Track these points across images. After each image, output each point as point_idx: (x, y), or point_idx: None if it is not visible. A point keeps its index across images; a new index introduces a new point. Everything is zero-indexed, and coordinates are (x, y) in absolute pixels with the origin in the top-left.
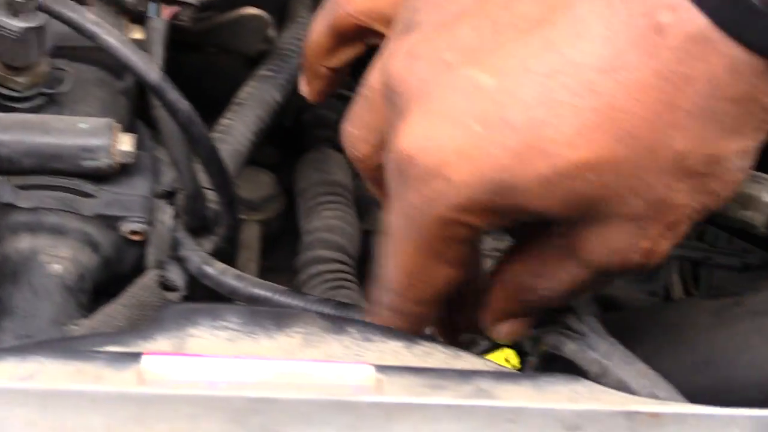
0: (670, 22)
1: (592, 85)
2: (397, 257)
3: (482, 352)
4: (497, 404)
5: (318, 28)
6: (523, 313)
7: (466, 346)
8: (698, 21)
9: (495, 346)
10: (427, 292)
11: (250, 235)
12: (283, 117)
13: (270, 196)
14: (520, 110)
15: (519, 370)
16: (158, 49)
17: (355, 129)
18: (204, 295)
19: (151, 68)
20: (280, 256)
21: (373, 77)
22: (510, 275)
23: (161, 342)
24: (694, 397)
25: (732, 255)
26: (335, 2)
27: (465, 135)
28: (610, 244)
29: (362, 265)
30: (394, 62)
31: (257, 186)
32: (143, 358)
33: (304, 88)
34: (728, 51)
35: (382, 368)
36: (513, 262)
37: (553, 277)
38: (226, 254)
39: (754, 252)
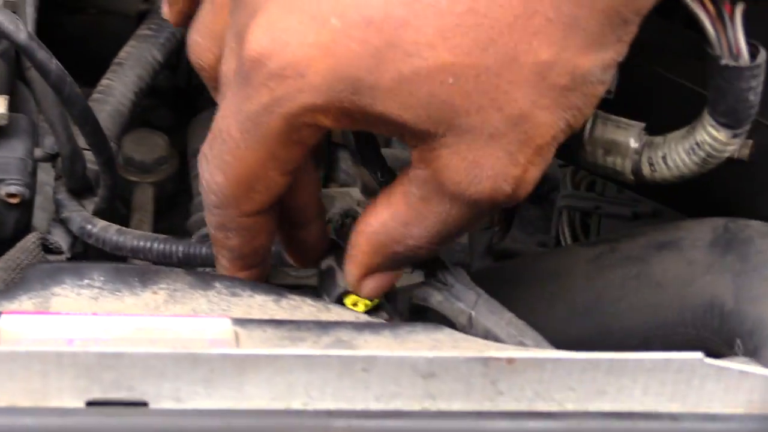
0: None
1: None
2: (227, 167)
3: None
4: (351, 353)
5: None
6: (391, 267)
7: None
8: None
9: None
10: (258, 201)
11: (144, 196)
12: (177, 78)
13: (163, 158)
14: (381, 7)
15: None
16: (29, 9)
17: (200, 37)
18: (95, 258)
19: (18, 28)
20: (175, 217)
21: None
22: (375, 226)
23: (25, 302)
24: (572, 346)
25: (622, 204)
26: None
27: (322, 31)
28: (478, 172)
29: None
30: None
31: (151, 148)
32: (2, 317)
33: (165, 10)
34: None
35: (240, 321)
36: (377, 212)
37: (420, 221)
38: (117, 216)
39: (644, 201)
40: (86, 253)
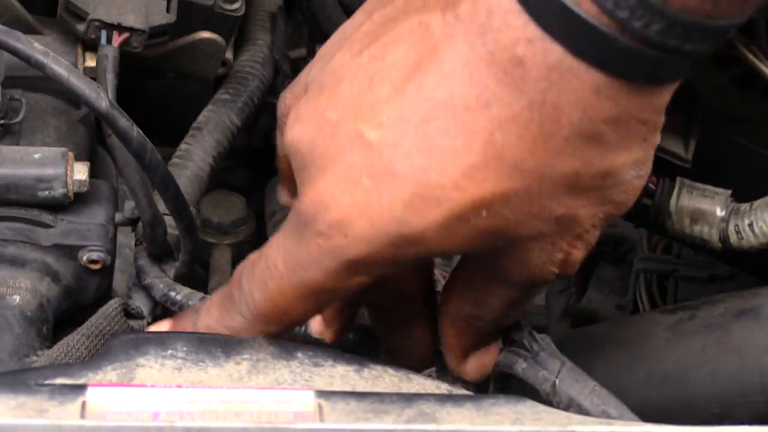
0: (528, 55)
1: (466, 125)
2: (268, 291)
3: None
4: (434, 428)
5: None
6: (479, 342)
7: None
8: (556, 51)
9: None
10: (286, 324)
11: (222, 258)
12: (253, 139)
13: (241, 220)
14: (403, 160)
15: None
16: (110, 76)
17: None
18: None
19: (100, 96)
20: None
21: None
22: (453, 311)
23: (109, 373)
24: (652, 413)
25: (698, 267)
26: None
27: (357, 190)
28: (526, 263)
29: None
30: (287, 129)
31: (228, 210)
32: (89, 389)
33: (317, 329)
34: (590, 77)
35: (323, 394)
36: (451, 298)
37: (487, 302)
38: (196, 278)
39: (720, 264)
40: (163, 317)
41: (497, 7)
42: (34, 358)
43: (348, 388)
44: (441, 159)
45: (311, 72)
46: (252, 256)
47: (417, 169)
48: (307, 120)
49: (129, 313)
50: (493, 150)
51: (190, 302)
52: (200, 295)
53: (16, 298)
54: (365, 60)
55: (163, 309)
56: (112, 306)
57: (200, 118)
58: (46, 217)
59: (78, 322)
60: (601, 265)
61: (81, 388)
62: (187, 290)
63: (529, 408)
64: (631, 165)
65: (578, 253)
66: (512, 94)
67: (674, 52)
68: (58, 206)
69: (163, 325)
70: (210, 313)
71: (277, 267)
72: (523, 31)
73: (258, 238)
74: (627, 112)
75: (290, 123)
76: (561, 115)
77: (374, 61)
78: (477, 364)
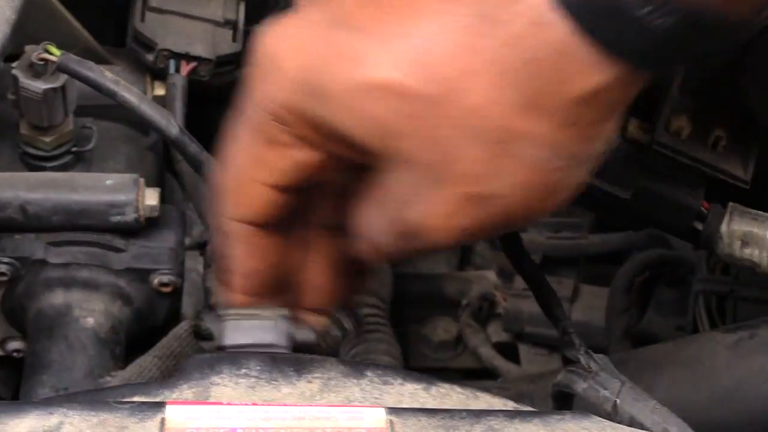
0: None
1: (412, 12)
2: (225, 166)
3: None
4: None
5: None
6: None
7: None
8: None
9: None
10: (247, 208)
11: None
12: None
13: None
14: (360, 17)
15: None
16: (179, 104)
17: None
18: None
19: (170, 124)
20: None
21: None
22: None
23: (185, 391)
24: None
25: (757, 287)
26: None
27: (310, 30)
28: (408, 194)
29: (396, 308)
30: None
31: None
32: (167, 407)
33: None
34: (538, 3)
35: (394, 410)
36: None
37: (371, 222)
38: None
39: None
40: None
41: None
42: (108, 378)
43: (417, 406)
44: (378, 33)
45: None
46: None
47: (365, 29)
48: None
49: (200, 335)
50: (422, 43)
51: None
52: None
53: (90, 320)
54: None
55: None
56: (182, 328)
57: None
58: (118, 242)
59: (148, 344)
60: (660, 287)
61: (159, 406)
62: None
63: (595, 424)
64: (533, 139)
65: (462, 220)
66: (489, 28)
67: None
68: (129, 231)
69: None
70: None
71: (232, 134)
72: None
73: None
74: (560, 71)
75: None
76: (495, 37)
77: None
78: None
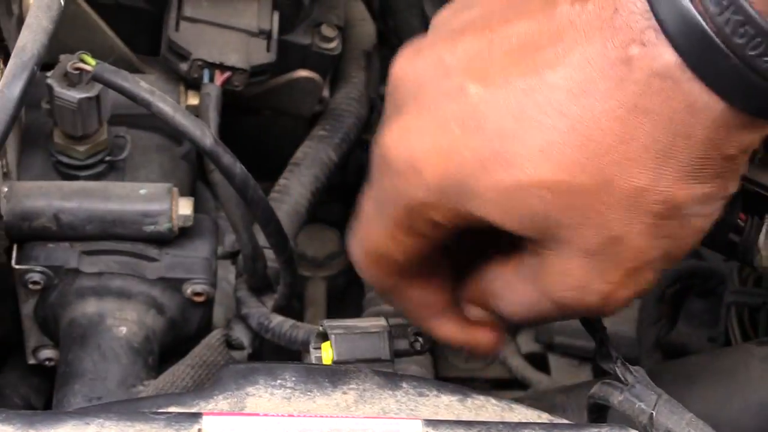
0: (638, 56)
1: (560, 106)
2: (362, 240)
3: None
4: None
5: None
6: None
7: None
8: (666, 56)
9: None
10: (385, 272)
11: (316, 291)
12: (347, 174)
13: (335, 253)
14: (493, 120)
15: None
16: (213, 114)
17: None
18: (270, 353)
19: (204, 134)
20: (347, 310)
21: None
22: (481, 274)
23: (221, 402)
24: None
25: None
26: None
27: (444, 135)
28: (568, 277)
29: None
30: (399, 60)
31: (322, 243)
32: (204, 418)
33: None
34: (690, 89)
35: (431, 422)
36: (487, 267)
37: (513, 294)
38: (293, 311)
39: None
40: (261, 348)
41: (623, 8)
42: (141, 387)
43: (452, 418)
44: (527, 129)
45: (433, 27)
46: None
47: (503, 132)
48: (425, 57)
49: (230, 344)
50: (575, 137)
51: (283, 330)
52: (291, 322)
53: (123, 329)
54: (493, 22)
55: (261, 340)
56: (214, 337)
57: (298, 153)
58: (152, 251)
59: (180, 353)
60: (691, 298)
61: (196, 416)
62: (280, 318)
63: None
64: (699, 200)
65: (625, 292)
66: (609, 89)
67: None
68: (163, 240)
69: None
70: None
71: (366, 213)
72: (640, 34)
73: (352, 271)
74: (713, 138)
75: (407, 52)
76: (647, 120)
77: (500, 26)
78: (485, 335)
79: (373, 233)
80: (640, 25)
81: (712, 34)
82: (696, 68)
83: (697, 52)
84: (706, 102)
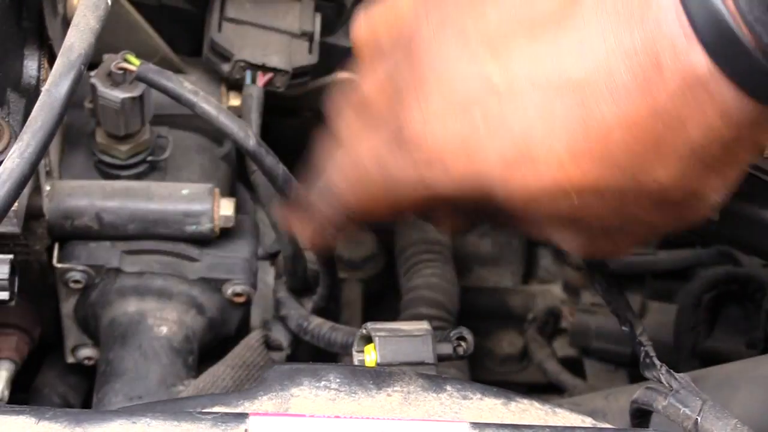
0: (670, 60)
1: (588, 108)
2: (363, 196)
3: None
4: None
5: None
6: None
7: None
8: (697, 62)
9: None
10: (364, 219)
11: (352, 293)
12: None
13: (371, 255)
14: (520, 118)
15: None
16: (255, 115)
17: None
18: (307, 355)
19: (248, 135)
20: (382, 313)
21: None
22: None
23: (265, 402)
24: None
25: None
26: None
27: (470, 131)
28: (581, 246)
29: (461, 321)
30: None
31: (358, 245)
32: (250, 418)
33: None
34: (722, 96)
35: (477, 425)
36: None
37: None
38: (330, 313)
39: None
40: (298, 349)
41: (654, 3)
42: (181, 387)
43: (496, 421)
44: (554, 131)
45: None
46: (348, 158)
47: (530, 134)
48: (450, 22)
49: (269, 345)
50: (605, 142)
51: (322, 332)
52: (330, 324)
53: (164, 329)
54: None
55: (298, 342)
56: (254, 338)
57: None
58: (193, 251)
59: (219, 354)
60: (728, 305)
61: (242, 417)
62: (318, 320)
63: None
64: (716, 189)
65: (628, 251)
66: (641, 94)
67: None
68: (204, 241)
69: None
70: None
71: (369, 172)
72: (671, 36)
73: (388, 273)
74: (741, 135)
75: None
76: (681, 129)
77: (525, 4)
78: None
79: (378, 198)
80: (670, 26)
81: (744, 36)
82: (729, 72)
83: (730, 54)
84: (738, 105)
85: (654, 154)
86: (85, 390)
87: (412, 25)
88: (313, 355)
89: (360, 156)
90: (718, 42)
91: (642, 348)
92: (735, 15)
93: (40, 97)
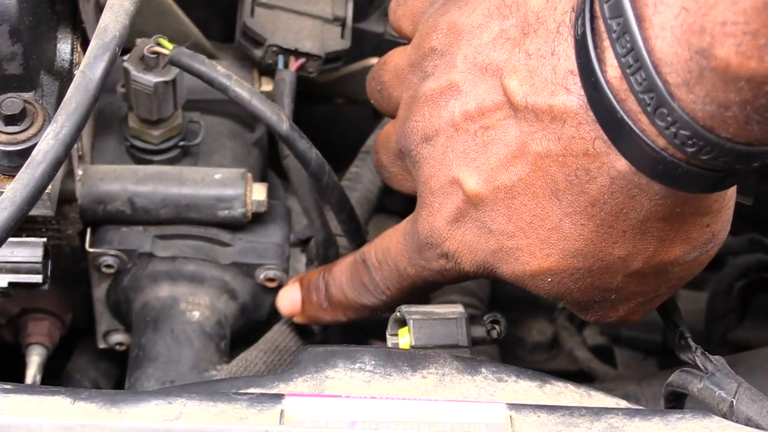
0: (595, 166)
1: (542, 208)
2: (399, 286)
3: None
4: None
5: None
6: None
7: None
8: (621, 165)
9: None
10: (393, 304)
11: None
12: None
13: None
14: (495, 221)
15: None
16: (287, 99)
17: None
18: (337, 339)
19: (281, 119)
20: (413, 301)
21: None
22: None
23: (300, 384)
24: None
25: None
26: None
27: (466, 232)
28: (581, 313)
29: (492, 309)
30: (413, 128)
31: None
32: (286, 399)
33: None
34: (650, 188)
35: (514, 406)
36: None
37: None
38: None
39: None
40: (327, 334)
41: (571, 118)
42: (213, 372)
43: (531, 403)
44: (521, 229)
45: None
46: (376, 254)
47: (504, 232)
48: (434, 132)
49: (301, 330)
50: (560, 234)
51: None
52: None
53: (196, 314)
54: (476, 128)
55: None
56: (286, 323)
57: (369, 141)
58: (225, 236)
59: (250, 339)
60: (758, 294)
61: (278, 398)
62: None
63: (716, 423)
64: (691, 250)
65: (636, 316)
66: (578, 194)
67: (732, 171)
68: (236, 226)
69: (293, 287)
70: (336, 281)
71: (407, 272)
72: (592, 144)
73: None
74: (685, 212)
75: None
76: (620, 215)
77: (486, 131)
78: None
79: (400, 282)
80: (589, 135)
81: (659, 149)
82: (650, 173)
83: (646, 161)
84: (669, 194)
85: (604, 235)
86: (116, 376)
87: None
88: (342, 340)
89: (397, 259)
90: (636, 152)
91: (677, 329)
92: (649, 131)
93: (75, 79)
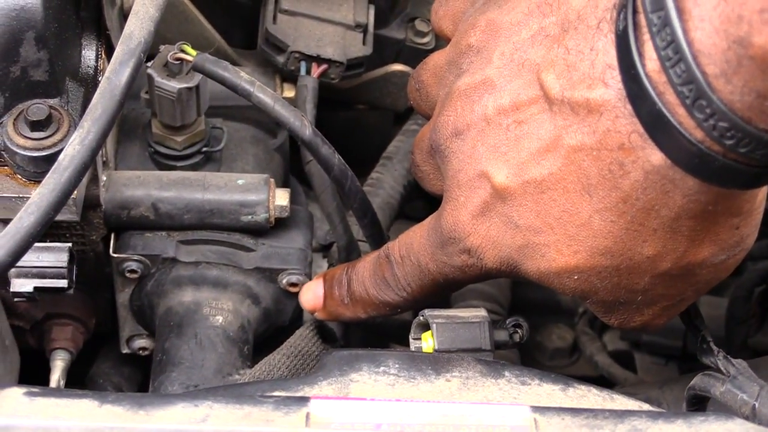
0: (629, 159)
1: (571, 204)
2: (422, 283)
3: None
4: None
5: None
6: None
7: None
8: (654, 159)
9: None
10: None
11: None
12: None
13: None
14: (522, 216)
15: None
16: (310, 105)
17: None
18: (359, 344)
19: (303, 125)
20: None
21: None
22: None
23: (325, 387)
24: None
25: None
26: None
27: (490, 227)
28: (604, 317)
29: (512, 314)
30: (444, 125)
31: None
32: (311, 401)
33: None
34: (684, 183)
35: (538, 409)
36: None
37: None
38: None
39: None
40: (350, 338)
41: (608, 111)
42: (237, 376)
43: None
44: (549, 225)
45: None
46: (400, 249)
47: (531, 228)
48: (465, 130)
49: (323, 335)
50: (589, 231)
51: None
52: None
53: (219, 318)
54: (509, 122)
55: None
56: (308, 328)
57: (390, 147)
58: (248, 241)
59: (273, 344)
60: None
61: (304, 400)
62: None
63: (739, 425)
64: (719, 252)
65: (661, 320)
66: (611, 189)
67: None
68: (259, 231)
69: (317, 283)
70: (359, 277)
71: (428, 268)
72: (628, 138)
73: None
74: (716, 211)
75: (444, 124)
76: (651, 211)
77: (519, 126)
78: None
79: (424, 279)
80: (626, 128)
81: (697, 141)
82: (685, 167)
83: (681, 153)
84: (703, 189)
85: (634, 233)
86: (139, 381)
87: None
88: (364, 344)
89: (419, 255)
90: (672, 145)
91: (699, 333)
92: (686, 122)
93: (101, 85)
